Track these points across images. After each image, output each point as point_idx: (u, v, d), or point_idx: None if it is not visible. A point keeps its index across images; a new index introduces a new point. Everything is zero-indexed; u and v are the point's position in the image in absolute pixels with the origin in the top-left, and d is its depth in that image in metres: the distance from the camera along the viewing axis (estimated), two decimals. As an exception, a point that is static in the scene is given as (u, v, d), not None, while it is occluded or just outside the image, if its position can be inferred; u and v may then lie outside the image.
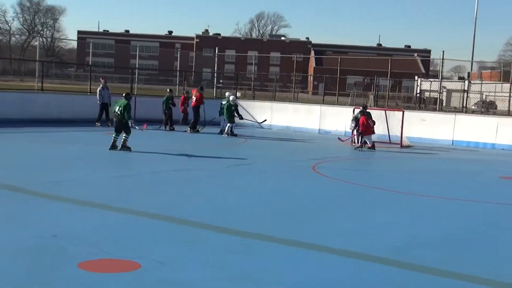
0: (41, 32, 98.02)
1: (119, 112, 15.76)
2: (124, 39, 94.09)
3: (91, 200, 9.31)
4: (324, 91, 32.33)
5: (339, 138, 22.83)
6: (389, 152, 19.79)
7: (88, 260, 6.24)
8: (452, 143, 23.94)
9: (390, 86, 32.55)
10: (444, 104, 33.46)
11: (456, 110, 28.76)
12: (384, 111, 23.47)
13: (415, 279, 6.30)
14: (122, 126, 15.79)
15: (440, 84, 29.20)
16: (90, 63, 31.00)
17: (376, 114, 22.14)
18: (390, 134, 22.90)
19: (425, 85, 39.15)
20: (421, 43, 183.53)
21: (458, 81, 40.17)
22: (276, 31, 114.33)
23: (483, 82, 37.81)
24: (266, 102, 29.62)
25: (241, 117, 23.61)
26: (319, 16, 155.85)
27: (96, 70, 57.10)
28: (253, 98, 32.12)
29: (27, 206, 8.80)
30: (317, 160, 16.32)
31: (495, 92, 34.88)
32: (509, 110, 26.22)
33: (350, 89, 43.53)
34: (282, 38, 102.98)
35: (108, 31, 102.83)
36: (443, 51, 26.36)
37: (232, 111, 22.77)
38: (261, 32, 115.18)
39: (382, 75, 31.87)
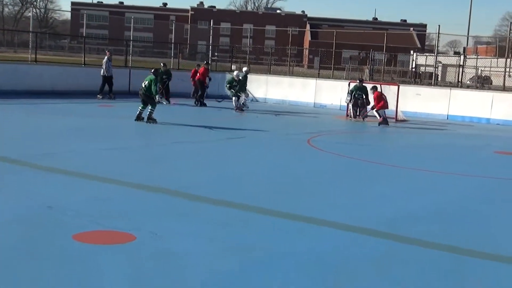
0: (35, 3, 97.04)
1: (144, 87, 16.18)
2: (118, 11, 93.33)
3: (86, 172, 9.28)
4: (320, 65, 32.19)
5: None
6: (384, 126, 19.75)
7: (83, 231, 6.22)
8: (447, 118, 23.94)
9: (385, 60, 32.38)
10: (439, 79, 33.32)
11: (451, 85, 28.67)
12: (379, 85, 23.38)
13: (408, 252, 6.32)
14: (147, 99, 16.23)
15: (436, 58, 29.09)
16: (84, 35, 30.71)
17: (368, 88, 22.07)
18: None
19: (421, 60, 38.97)
20: (417, 17, 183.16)
21: (453, 56, 40.02)
22: (272, 4, 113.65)
23: (478, 57, 37.66)
24: (262, 76, 29.49)
25: (238, 94, 23.00)
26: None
27: (90, 42, 56.73)
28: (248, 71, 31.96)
29: (21, 178, 8.76)
30: (312, 134, 16.29)
31: (490, 67, 34.74)
32: (504, 85, 26.13)
33: (345, 63, 43.39)
34: (278, 11, 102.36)
35: (102, 2, 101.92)
36: (439, 26, 26.27)
37: (233, 86, 22.39)
38: (256, 4, 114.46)
39: (378, 49, 31.73)
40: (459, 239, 6.87)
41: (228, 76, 23.94)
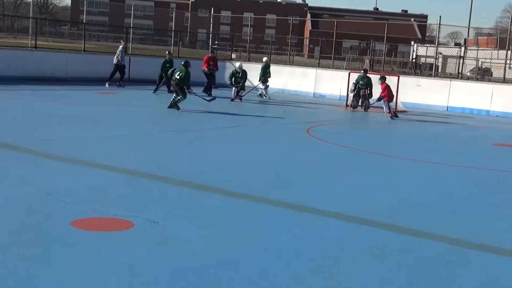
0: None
1: (177, 77, 17.02)
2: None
3: (85, 159, 9.29)
4: (320, 54, 32.14)
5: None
6: (384, 117, 19.75)
7: (82, 218, 6.23)
8: (447, 109, 23.94)
9: (386, 50, 32.34)
10: (439, 70, 33.31)
11: (451, 76, 28.66)
12: (379, 76, 23.36)
13: (407, 242, 6.34)
14: (179, 89, 17.03)
15: (436, 49, 29.05)
16: (84, 22, 30.59)
17: (372, 79, 22.05)
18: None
19: (421, 51, 38.92)
20: (418, 8, 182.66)
21: (454, 47, 39.96)
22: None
23: (479, 48, 37.64)
24: (261, 64, 29.41)
25: (242, 87, 22.39)
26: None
27: (90, 29, 56.59)
28: (249, 60, 31.91)
29: (19, 164, 8.77)
30: (312, 124, 16.30)
31: (491, 59, 34.71)
32: (504, 77, 26.13)
33: (345, 53, 43.29)
34: (278, 0, 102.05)
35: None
36: (440, 17, 26.23)
37: (237, 77, 21.99)
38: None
39: (378, 40, 31.68)
40: (458, 230, 6.88)
41: (230, 69, 23.78)
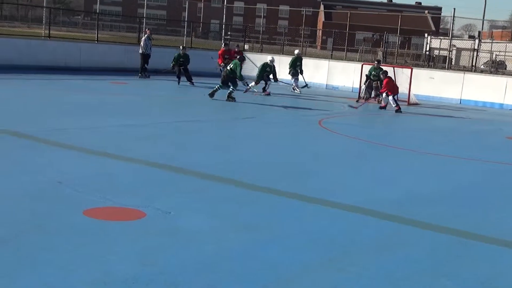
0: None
1: (229, 69, 17.84)
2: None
3: (97, 148, 9.33)
4: (333, 46, 32.04)
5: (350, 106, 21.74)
6: (398, 114, 19.68)
7: (94, 207, 6.27)
8: (460, 102, 23.82)
9: (399, 43, 32.22)
10: (453, 63, 33.15)
11: (465, 69, 28.51)
12: (392, 68, 23.29)
13: (415, 234, 6.33)
14: (229, 80, 17.79)
15: (450, 42, 28.90)
16: (97, 11, 30.65)
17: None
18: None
19: (435, 43, 38.72)
20: (432, 0, 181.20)
21: (468, 40, 39.72)
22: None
23: (493, 41, 37.39)
24: (274, 56, 29.35)
25: (275, 79, 22.03)
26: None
27: (103, 19, 56.61)
28: (261, 51, 31.89)
29: (32, 153, 8.83)
30: (324, 115, 16.28)
31: (505, 51, 34.46)
32: (518, 70, 26.03)
33: (359, 45, 43.16)
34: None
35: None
36: (454, 9, 26.09)
37: (266, 71, 21.47)
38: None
39: (392, 32, 31.53)
40: (467, 223, 6.87)
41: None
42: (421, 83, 23.76)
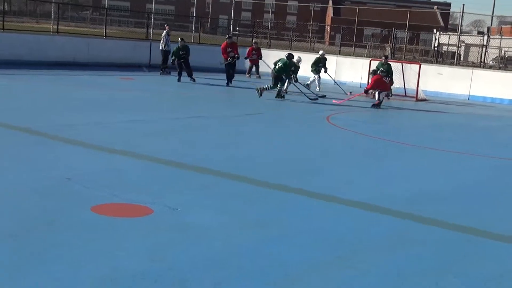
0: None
1: (277, 68, 18.03)
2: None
3: (105, 145, 9.35)
4: (341, 42, 31.97)
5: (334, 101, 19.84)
6: (404, 105, 19.65)
7: (102, 203, 6.29)
8: (469, 98, 23.75)
9: (407, 38, 32.10)
10: (461, 59, 33.01)
11: (473, 65, 28.39)
12: (400, 64, 23.25)
13: (425, 232, 6.32)
14: (278, 79, 18.08)
15: (459, 38, 28.80)
16: (106, 6, 30.67)
17: (393, 67, 21.94)
18: (406, 87, 22.74)
19: (444, 39, 38.55)
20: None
21: (477, 36, 39.52)
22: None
23: (502, 37, 37.17)
24: (282, 51, 29.33)
25: (296, 80, 19.92)
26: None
27: (112, 14, 56.66)
28: (269, 47, 31.84)
29: (40, 149, 8.86)
30: (332, 111, 16.26)
31: (515, 48, 34.34)
32: (527, 66, 25.92)
33: (367, 40, 43.02)
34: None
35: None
36: (463, 5, 25.97)
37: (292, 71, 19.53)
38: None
39: (400, 28, 31.44)
40: (476, 221, 6.85)
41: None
42: (430, 79, 23.69)
